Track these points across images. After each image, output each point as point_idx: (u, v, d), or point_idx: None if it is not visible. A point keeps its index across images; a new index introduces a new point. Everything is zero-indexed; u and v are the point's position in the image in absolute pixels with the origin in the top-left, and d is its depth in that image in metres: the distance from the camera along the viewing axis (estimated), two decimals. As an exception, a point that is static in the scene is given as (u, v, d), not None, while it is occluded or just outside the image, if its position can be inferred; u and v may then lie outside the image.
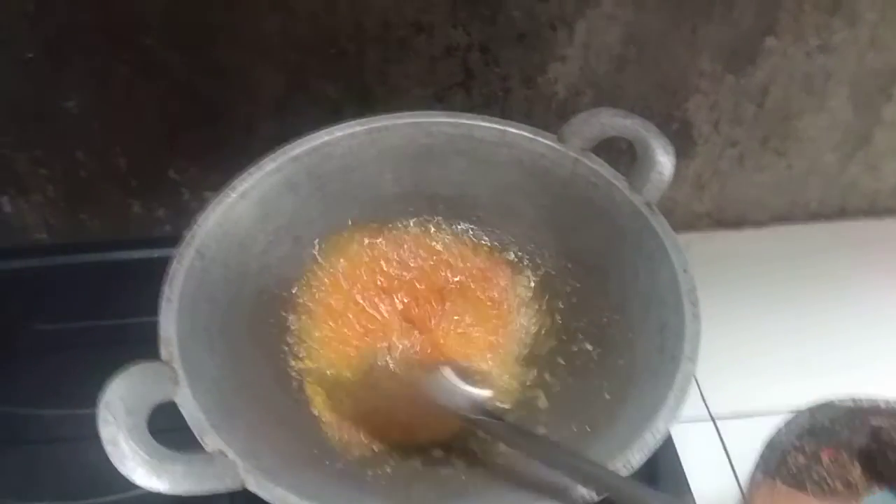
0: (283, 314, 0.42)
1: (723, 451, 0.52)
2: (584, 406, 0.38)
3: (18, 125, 0.51)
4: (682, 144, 0.59)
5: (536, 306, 0.45)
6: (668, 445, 0.43)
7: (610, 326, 0.41)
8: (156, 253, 0.49)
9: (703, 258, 0.67)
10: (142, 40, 0.48)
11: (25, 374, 0.45)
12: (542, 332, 0.44)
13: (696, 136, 0.59)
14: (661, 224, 0.41)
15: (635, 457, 0.32)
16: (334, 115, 0.46)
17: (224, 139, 0.54)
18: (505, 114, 0.55)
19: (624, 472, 0.32)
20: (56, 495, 0.40)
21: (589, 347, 0.41)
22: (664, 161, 0.42)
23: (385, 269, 0.45)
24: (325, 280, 0.44)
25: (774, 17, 0.51)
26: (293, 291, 0.43)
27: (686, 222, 0.67)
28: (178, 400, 0.33)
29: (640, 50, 0.53)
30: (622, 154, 0.48)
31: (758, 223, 0.67)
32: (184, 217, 0.40)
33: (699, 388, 0.55)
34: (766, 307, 0.60)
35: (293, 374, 0.40)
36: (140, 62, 0.49)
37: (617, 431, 0.35)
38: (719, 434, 0.53)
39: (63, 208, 0.57)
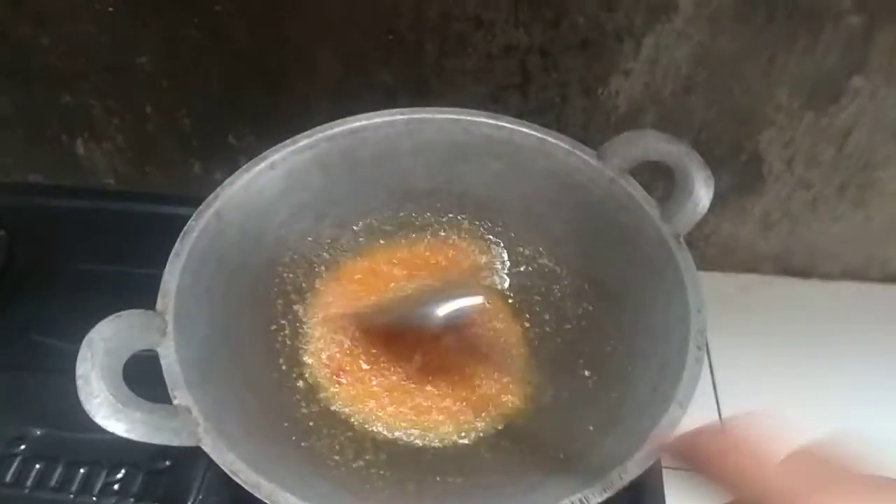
0: (289, 288, 0.43)
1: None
2: (565, 433, 0.37)
3: (97, 74, 0.55)
4: (750, 179, 0.56)
5: (543, 324, 0.43)
6: (657, 492, 0.40)
7: (613, 356, 0.39)
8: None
9: (762, 304, 0.64)
10: (212, 6, 0.50)
11: (57, 308, 0.48)
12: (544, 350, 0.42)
13: (766, 173, 0.55)
14: (685, 259, 0.38)
15: (596, 496, 0.30)
16: (389, 103, 0.46)
17: (282, 113, 0.55)
18: (560, 122, 0.54)
19: (579, 508, 0.30)
20: (60, 424, 0.43)
21: (586, 374, 0.40)
22: (702, 194, 0.40)
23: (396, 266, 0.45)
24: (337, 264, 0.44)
25: (864, 55, 0.47)
26: (304, 268, 0.44)
27: (748, 263, 0.63)
28: (160, 350, 0.34)
29: (711, 73, 0.49)
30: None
31: (827, 276, 0.62)
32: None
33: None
34: (824, 367, 0.56)
35: (285, 346, 0.41)
36: (209, 27, 0.51)
37: (589, 464, 0.33)
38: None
39: (130, 158, 0.61)
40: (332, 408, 0.39)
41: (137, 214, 0.56)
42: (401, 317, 0.41)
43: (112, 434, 0.31)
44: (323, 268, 0.45)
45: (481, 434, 0.38)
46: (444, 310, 0.39)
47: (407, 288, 0.44)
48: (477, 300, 0.40)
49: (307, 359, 0.41)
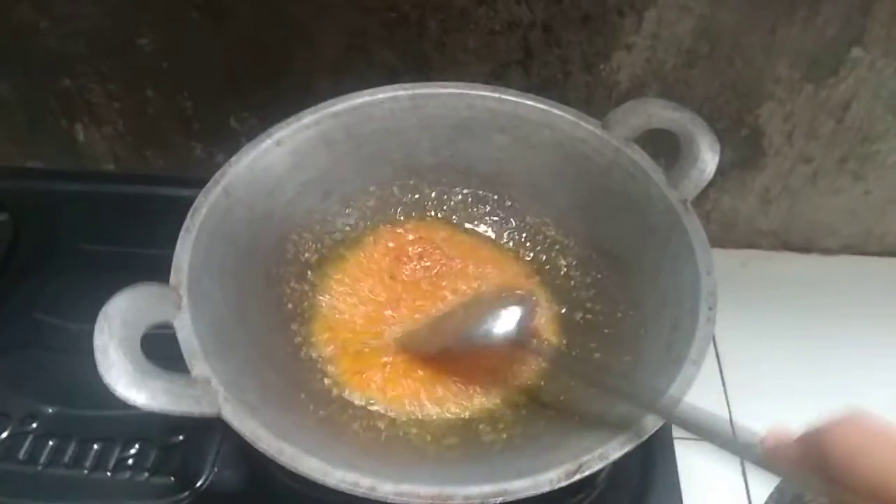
0: (300, 265, 0.43)
1: (741, 477, 0.49)
2: (582, 395, 0.37)
3: (97, 57, 0.54)
4: (751, 153, 0.56)
5: (553, 293, 0.43)
6: (669, 460, 0.41)
7: (624, 321, 0.40)
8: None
9: (762, 279, 0.64)
10: (213, -14, 0.50)
11: (62, 288, 0.48)
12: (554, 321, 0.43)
13: (766, 146, 0.56)
14: (692, 223, 0.39)
15: (614, 452, 0.31)
16: (391, 81, 0.46)
17: (284, 94, 0.55)
18: (563, 98, 0.53)
19: (599, 464, 0.30)
20: (71, 402, 0.43)
21: (600, 339, 0.40)
22: (708, 158, 0.40)
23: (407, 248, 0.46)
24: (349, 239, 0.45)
25: (863, 26, 0.47)
26: (313, 245, 0.44)
27: (748, 238, 0.63)
28: (175, 323, 0.34)
29: (712, 46, 0.50)
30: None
31: (826, 250, 0.63)
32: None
33: (729, 412, 0.52)
34: (825, 341, 0.56)
35: (298, 320, 0.41)
36: (210, 8, 0.51)
37: (606, 423, 0.33)
38: (742, 460, 0.50)
39: (130, 143, 0.60)
40: (349, 378, 0.39)
41: (139, 196, 0.56)
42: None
43: (125, 409, 0.30)
44: (331, 245, 0.45)
45: (500, 400, 0.38)
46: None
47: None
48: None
49: (321, 333, 0.41)
